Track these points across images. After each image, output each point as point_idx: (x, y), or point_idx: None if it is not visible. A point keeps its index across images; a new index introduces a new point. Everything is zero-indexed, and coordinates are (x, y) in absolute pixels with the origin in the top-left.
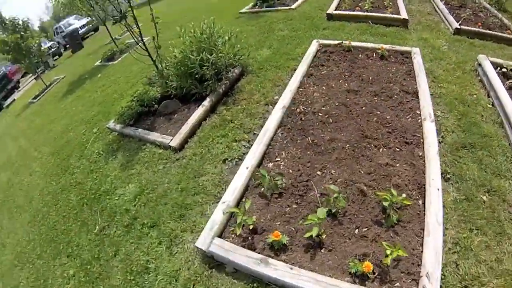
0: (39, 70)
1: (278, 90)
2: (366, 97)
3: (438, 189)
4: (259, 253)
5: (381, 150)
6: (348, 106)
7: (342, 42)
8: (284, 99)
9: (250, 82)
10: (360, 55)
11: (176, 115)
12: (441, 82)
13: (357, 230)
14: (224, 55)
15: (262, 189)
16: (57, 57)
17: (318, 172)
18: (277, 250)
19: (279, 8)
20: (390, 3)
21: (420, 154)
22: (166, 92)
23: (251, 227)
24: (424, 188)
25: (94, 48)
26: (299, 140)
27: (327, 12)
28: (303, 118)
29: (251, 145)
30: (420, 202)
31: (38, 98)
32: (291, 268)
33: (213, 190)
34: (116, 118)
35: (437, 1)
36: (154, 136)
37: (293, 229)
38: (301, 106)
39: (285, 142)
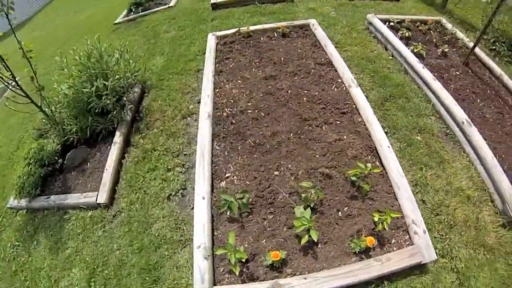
0: None
1: (190, 98)
2: (286, 79)
3: (388, 146)
4: (264, 279)
5: (324, 128)
6: (273, 93)
7: (239, 29)
8: (205, 106)
9: (156, 98)
10: (262, 38)
11: (88, 164)
12: (344, 46)
13: (339, 212)
14: (122, 76)
15: (229, 213)
16: None
17: (276, 173)
18: (279, 268)
19: (157, 9)
20: None
21: (359, 119)
22: (66, 140)
23: (244, 259)
24: (376, 149)
25: None
26: (240, 146)
27: (211, 2)
28: (233, 121)
29: (188, 168)
30: (377, 162)
31: None
32: (305, 278)
33: (174, 235)
34: (16, 193)
35: None
36: (74, 198)
37: (282, 240)
38: (226, 109)
39: (226, 153)
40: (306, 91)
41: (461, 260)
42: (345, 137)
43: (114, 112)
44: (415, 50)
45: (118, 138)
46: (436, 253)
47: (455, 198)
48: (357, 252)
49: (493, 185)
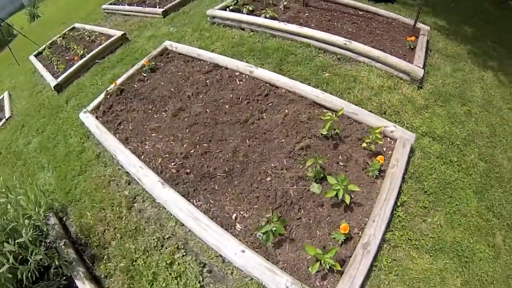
0: None
1: (116, 186)
2: (193, 103)
3: (322, 93)
4: None
5: (266, 115)
6: (196, 122)
7: (107, 91)
8: (147, 178)
9: (80, 213)
10: (135, 85)
11: None
12: (208, 47)
13: (343, 161)
14: (35, 217)
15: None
16: None
17: (268, 179)
18: None
19: None
20: (95, 36)
21: (283, 91)
22: None
23: None
24: (314, 101)
25: None
26: (216, 185)
27: (53, 85)
28: (188, 171)
29: (184, 243)
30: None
31: None
32: None
33: None
34: None
35: (124, 6)
36: None
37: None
38: (169, 165)
39: (212, 201)
40: (221, 99)
41: None
42: (287, 110)
43: (55, 263)
44: (268, 15)
45: (83, 285)
46: None
47: (383, 93)
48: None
49: (394, 69)
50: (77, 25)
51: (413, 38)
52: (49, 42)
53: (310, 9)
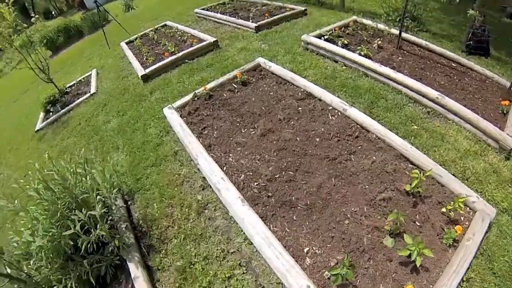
0: None
1: (189, 187)
2: (284, 127)
3: (411, 147)
4: None
5: (352, 158)
6: (285, 147)
7: (195, 93)
8: (229, 192)
9: (148, 204)
10: (224, 94)
11: None
12: (301, 73)
13: (416, 222)
14: (106, 195)
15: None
16: None
17: (346, 222)
18: None
19: (79, 100)
20: (187, 37)
21: (373, 136)
22: None
23: None
24: (403, 154)
25: None
26: (294, 216)
27: (140, 74)
28: (270, 194)
29: (247, 263)
30: (409, 164)
31: None
32: None
33: None
34: None
35: (215, 14)
36: None
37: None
38: (252, 184)
39: (288, 230)
40: (312, 131)
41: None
42: (374, 157)
43: (114, 242)
44: (362, 53)
45: (136, 270)
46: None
47: (469, 157)
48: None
49: (484, 134)
50: (169, 23)
51: (507, 102)
52: (141, 33)
53: (403, 53)
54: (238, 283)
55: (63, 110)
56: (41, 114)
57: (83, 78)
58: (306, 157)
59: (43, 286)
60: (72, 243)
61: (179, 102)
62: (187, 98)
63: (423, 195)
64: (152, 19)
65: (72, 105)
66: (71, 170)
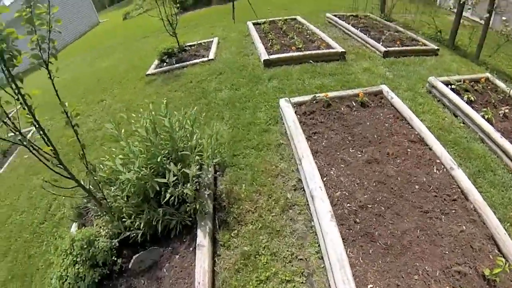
0: None
1: (282, 183)
2: (389, 163)
3: (505, 233)
4: None
5: (443, 219)
6: (384, 182)
7: (315, 96)
8: (323, 202)
9: (237, 181)
10: (342, 108)
11: (164, 270)
12: (418, 115)
13: None
14: (207, 156)
15: None
16: None
17: (415, 277)
18: None
19: (195, 61)
20: (315, 38)
21: (471, 206)
22: (121, 234)
23: None
24: (493, 237)
25: None
26: (371, 250)
27: (264, 58)
28: (357, 220)
29: (308, 276)
30: (496, 250)
31: None
32: None
33: None
34: None
35: (347, 25)
36: None
37: None
38: (345, 204)
39: (361, 260)
40: (414, 177)
41: None
42: (464, 227)
43: (196, 204)
44: (486, 117)
45: (203, 238)
46: None
47: None
48: None
49: None
50: (299, 18)
51: None
52: (270, 19)
53: None
54: (296, 285)
55: (177, 64)
56: (156, 61)
57: (204, 43)
58: (401, 199)
59: (114, 214)
60: (157, 189)
61: (297, 99)
62: (306, 98)
63: (498, 286)
64: (283, 9)
65: (187, 62)
66: (182, 122)
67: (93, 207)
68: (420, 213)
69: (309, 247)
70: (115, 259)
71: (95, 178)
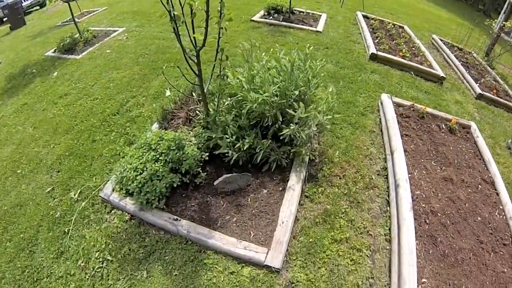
0: None
1: (369, 164)
2: (462, 188)
3: None
4: None
5: (491, 255)
6: (454, 201)
7: (413, 105)
8: (405, 192)
9: (332, 146)
10: (433, 125)
11: (248, 199)
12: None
13: None
14: (323, 109)
15: None
16: None
17: None
18: None
19: (302, 26)
20: (421, 53)
21: None
22: (214, 149)
23: None
24: None
25: (40, 29)
26: (431, 250)
27: (371, 51)
28: (427, 221)
29: (373, 253)
30: None
31: None
32: None
33: None
34: (119, 187)
35: (450, 54)
36: (225, 242)
37: None
38: (421, 204)
39: (422, 255)
40: (479, 210)
41: None
42: (505, 270)
43: (299, 149)
44: None
45: (295, 182)
46: None
47: None
48: None
49: None
50: (407, 28)
51: None
52: (379, 18)
53: None
54: (358, 259)
55: (284, 23)
56: (262, 12)
57: (312, 13)
58: (464, 221)
59: (217, 127)
60: (280, 119)
61: (397, 100)
62: (406, 102)
63: None
64: (388, 12)
65: (294, 25)
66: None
67: (199, 112)
68: (476, 240)
69: (379, 227)
70: (200, 171)
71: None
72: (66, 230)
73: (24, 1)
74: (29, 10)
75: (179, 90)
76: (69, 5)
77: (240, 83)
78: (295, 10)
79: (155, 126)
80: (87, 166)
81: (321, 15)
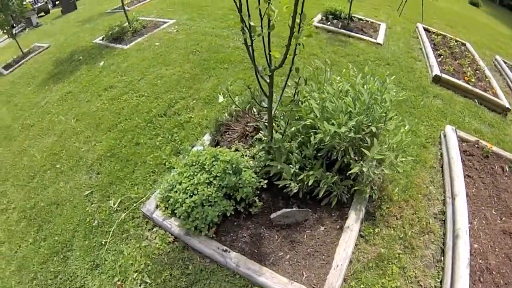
0: (16, 28)
1: (427, 205)
2: None
3: None
4: None
5: None
6: (511, 259)
7: (478, 141)
8: (465, 246)
9: (392, 181)
10: (496, 166)
11: (304, 235)
12: None
13: None
14: (393, 146)
15: None
16: (42, 14)
17: None
18: None
19: (362, 37)
20: (486, 78)
21: None
22: (273, 176)
23: None
24: None
25: (90, 15)
26: None
27: (435, 73)
28: (481, 280)
29: None
30: None
31: (10, 70)
32: None
33: None
34: (164, 206)
35: None
36: (276, 281)
37: None
38: (478, 259)
39: None
40: None
41: None
42: None
43: (361, 186)
44: None
45: (354, 222)
46: None
47: None
48: None
49: None
50: (468, 45)
51: None
52: (441, 32)
53: None
54: None
55: (342, 31)
56: (319, 16)
57: (371, 22)
58: None
59: (283, 156)
60: (352, 156)
61: (461, 134)
62: (470, 138)
63: None
64: (448, 24)
65: (353, 34)
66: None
67: (261, 132)
68: None
69: (431, 278)
70: (256, 200)
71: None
72: (103, 242)
73: None
74: None
75: (235, 103)
76: None
77: (310, 108)
78: (353, 16)
79: (207, 137)
80: (129, 172)
81: (380, 25)
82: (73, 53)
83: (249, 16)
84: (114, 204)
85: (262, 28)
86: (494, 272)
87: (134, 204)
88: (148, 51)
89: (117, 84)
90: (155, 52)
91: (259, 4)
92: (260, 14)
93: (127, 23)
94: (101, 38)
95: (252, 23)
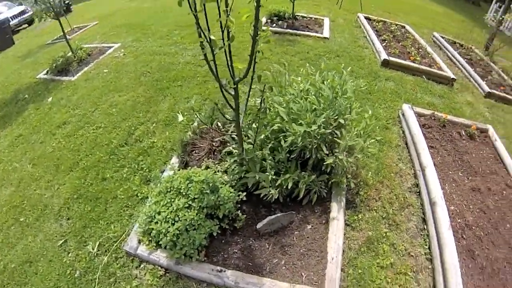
0: None
1: (400, 181)
2: (489, 197)
3: None
4: None
5: None
6: (485, 212)
7: (434, 113)
8: (442, 211)
9: (364, 166)
10: (454, 133)
11: (294, 237)
12: None
13: None
14: (360, 133)
15: None
16: None
17: None
18: None
19: (309, 33)
20: (428, 55)
21: None
22: (251, 187)
23: None
24: None
25: (29, 48)
26: (470, 264)
27: (383, 58)
28: (464, 236)
29: (416, 273)
30: None
31: None
32: None
33: None
34: (148, 239)
35: (454, 52)
36: None
37: None
38: (457, 219)
39: (464, 270)
40: (508, 217)
41: None
42: None
43: (344, 178)
44: None
45: (337, 213)
46: None
47: None
48: None
49: None
50: (408, 28)
51: None
52: (381, 19)
53: None
54: (405, 284)
55: (289, 30)
56: (264, 19)
57: (314, 18)
58: (495, 231)
59: (257, 165)
60: (325, 152)
61: (418, 110)
62: (426, 111)
63: None
64: (386, 10)
65: (300, 32)
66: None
67: (229, 145)
68: (509, 248)
69: (419, 247)
70: (239, 213)
71: (259, 117)
72: None
73: (12, 19)
74: (17, 29)
75: (201, 120)
76: (59, 21)
77: (275, 112)
78: (297, 15)
79: (175, 160)
80: (101, 211)
81: (324, 20)
82: (17, 92)
83: (209, 30)
84: (93, 249)
85: (223, 40)
86: (473, 227)
87: (115, 244)
88: (98, 80)
89: (70, 119)
90: (105, 79)
91: (219, 17)
92: (221, 26)
93: (70, 53)
94: (45, 72)
95: (212, 37)
